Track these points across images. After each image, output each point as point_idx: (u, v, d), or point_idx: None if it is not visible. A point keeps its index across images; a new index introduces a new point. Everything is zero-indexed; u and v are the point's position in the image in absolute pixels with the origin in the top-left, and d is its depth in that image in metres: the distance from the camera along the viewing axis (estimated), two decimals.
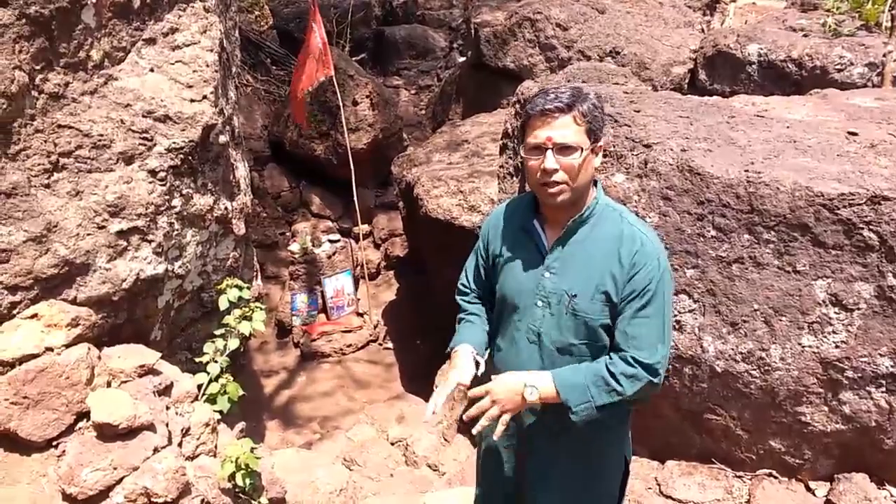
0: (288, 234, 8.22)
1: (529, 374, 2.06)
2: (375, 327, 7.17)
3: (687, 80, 6.94)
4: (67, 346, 2.78)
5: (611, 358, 2.04)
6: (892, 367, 2.92)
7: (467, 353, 2.18)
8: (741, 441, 3.34)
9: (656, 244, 2.06)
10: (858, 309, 2.90)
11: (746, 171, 2.98)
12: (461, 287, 2.40)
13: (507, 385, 2.05)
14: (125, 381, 2.88)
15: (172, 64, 3.24)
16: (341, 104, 7.16)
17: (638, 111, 3.48)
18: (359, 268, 7.57)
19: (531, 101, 2.00)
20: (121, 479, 2.54)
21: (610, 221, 2.07)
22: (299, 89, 6.99)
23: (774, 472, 3.34)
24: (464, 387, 2.10)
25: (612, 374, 1.99)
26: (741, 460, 3.40)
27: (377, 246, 8.38)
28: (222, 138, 3.53)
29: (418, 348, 6.84)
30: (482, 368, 2.18)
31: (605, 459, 2.26)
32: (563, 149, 1.94)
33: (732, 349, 3.13)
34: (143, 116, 3.10)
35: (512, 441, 2.28)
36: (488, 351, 2.28)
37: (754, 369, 3.12)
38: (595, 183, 2.11)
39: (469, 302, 2.36)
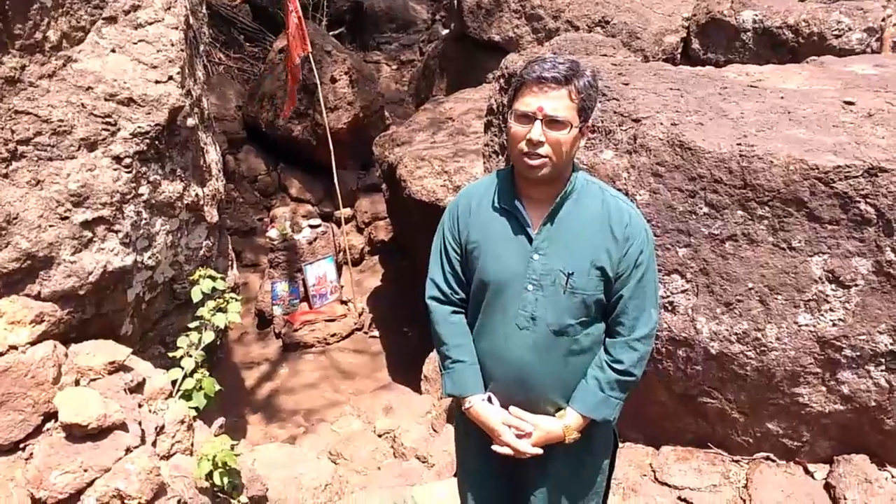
0: (266, 219, 8.19)
1: (561, 420, 2.17)
2: (360, 315, 7.17)
3: (680, 50, 6.94)
4: (32, 343, 2.77)
5: (609, 354, 2.12)
6: (891, 344, 2.95)
7: (478, 400, 2.22)
8: (737, 424, 3.38)
9: (639, 214, 2.15)
10: (856, 285, 2.93)
11: (739, 144, 2.98)
12: (438, 294, 2.27)
13: (548, 434, 2.17)
14: (94, 379, 2.87)
15: (135, 43, 3.20)
16: (318, 82, 7.10)
17: (626, 84, 3.47)
18: (341, 253, 7.55)
19: (527, 66, 2.00)
20: (92, 482, 2.53)
21: (591, 196, 2.11)
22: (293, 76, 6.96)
23: (772, 456, 3.38)
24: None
25: (622, 372, 2.11)
26: (738, 444, 3.44)
27: (360, 230, 8.37)
28: (191, 121, 3.50)
29: (406, 336, 6.86)
30: (496, 402, 2.22)
31: (594, 430, 2.27)
32: (553, 122, 1.93)
33: (727, 330, 3.15)
34: (106, 100, 3.06)
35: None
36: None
37: (750, 350, 3.14)
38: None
39: (450, 321, 2.26)
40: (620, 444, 2.80)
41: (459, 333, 2.25)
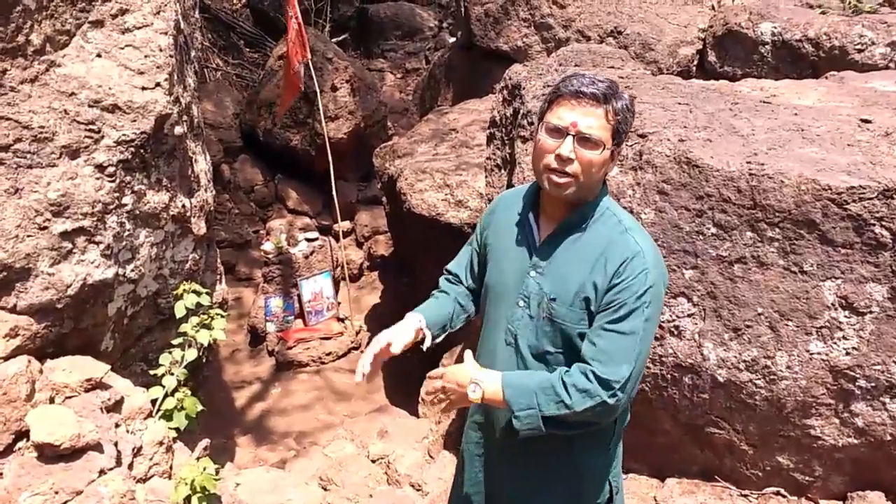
0: (262, 231, 8.23)
1: (483, 370, 2.10)
2: (357, 334, 7.17)
3: (695, 63, 6.95)
4: (5, 358, 2.77)
5: (568, 370, 2.02)
6: None
7: (412, 320, 2.23)
8: (746, 456, 3.35)
9: (650, 260, 1.99)
10: (871, 312, 2.91)
11: (749, 162, 2.98)
12: (446, 270, 2.46)
13: (456, 376, 2.11)
14: (70, 397, 2.87)
15: (122, 48, 3.23)
16: (318, 90, 7.15)
17: (633, 98, 3.47)
18: (339, 269, 7.56)
19: (565, 79, 1.99)
20: None
21: (606, 227, 2.05)
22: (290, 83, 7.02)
23: (783, 491, 3.35)
24: (394, 350, 2.15)
25: (564, 385, 1.96)
26: (747, 477, 3.41)
27: (359, 245, 8.39)
28: (178, 129, 3.51)
29: (404, 357, 6.83)
30: (428, 343, 2.22)
31: (586, 483, 2.24)
32: (585, 140, 1.92)
33: (735, 357, 3.14)
34: (90, 106, 3.08)
35: (483, 465, 2.34)
36: (446, 332, 2.33)
37: (759, 378, 3.12)
38: (604, 183, 2.10)
39: (448, 282, 2.42)
40: (624, 476, 2.77)
41: (449, 287, 2.40)
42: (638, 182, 3.20)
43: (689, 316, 3.20)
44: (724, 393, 3.22)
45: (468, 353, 2.16)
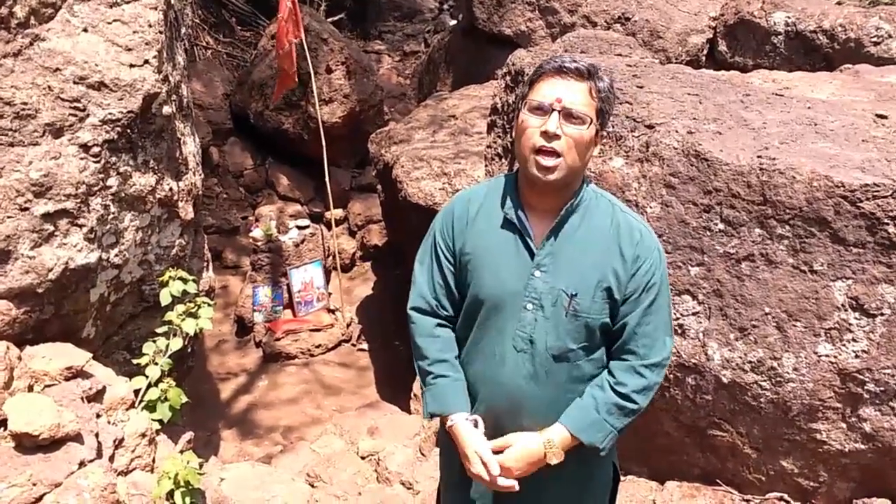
0: (251, 218, 8.21)
1: (542, 434, 2.09)
2: (348, 326, 7.17)
3: (705, 52, 6.95)
4: None
5: (613, 375, 2.07)
6: None
7: (468, 428, 2.15)
8: (749, 460, 3.36)
9: (651, 232, 2.13)
10: (882, 314, 2.91)
11: (759, 157, 2.97)
12: (423, 306, 2.23)
13: (526, 455, 2.09)
14: (49, 385, 2.87)
15: (109, 23, 3.21)
16: (312, 72, 7.12)
17: (641, 87, 3.47)
18: (330, 258, 7.55)
19: (546, 60, 2.00)
20: (41, 497, 2.52)
21: (600, 210, 2.09)
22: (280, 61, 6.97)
23: (786, 497, 3.36)
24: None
25: (624, 396, 2.05)
26: (749, 482, 3.41)
27: (352, 234, 8.38)
28: (167, 109, 3.50)
29: (396, 350, 6.86)
30: (481, 427, 2.17)
31: (594, 469, 2.27)
32: (571, 116, 1.92)
33: (741, 357, 3.14)
34: (75, 83, 3.07)
35: None
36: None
37: (765, 380, 3.13)
38: None
39: (433, 335, 2.22)
40: (622, 478, 2.79)
41: (444, 349, 2.21)
42: (644, 175, 3.19)
43: (693, 314, 3.20)
44: (728, 394, 3.22)
45: (510, 438, 2.12)
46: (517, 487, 2.08)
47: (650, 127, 3.21)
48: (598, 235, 2.05)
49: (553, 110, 1.92)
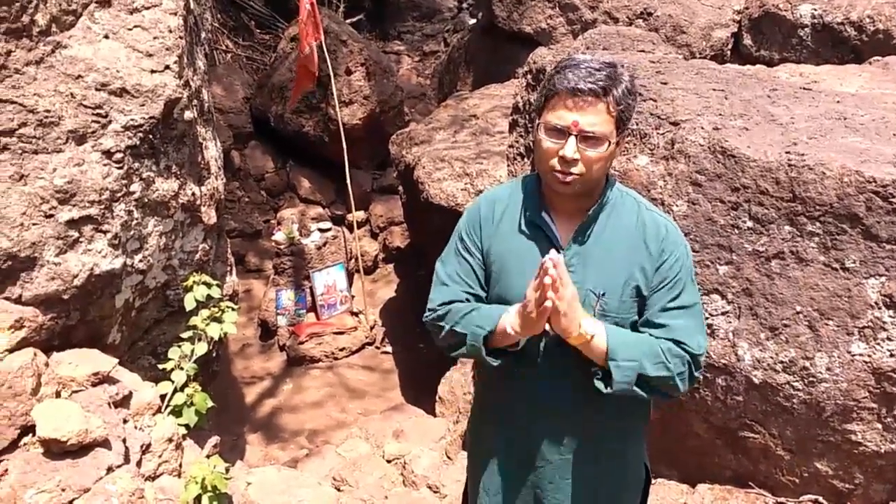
0: (272, 221, 8.25)
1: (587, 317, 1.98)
2: (372, 328, 7.19)
3: (730, 46, 6.89)
4: (10, 350, 2.80)
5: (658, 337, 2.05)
6: None
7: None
8: (782, 462, 3.32)
9: (678, 229, 2.12)
10: None
11: (788, 152, 2.94)
12: (448, 301, 2.16)
13: (573, 303, 1.93)
14: (77, 391, 2.90)
15: (130, 29, 3.24)
16: (332, 74, 7.15)
17: (665, 83, 3.45)
18: (353, 261, 7.58)
19: (559, 72, 1.96)
20: (70, 503, 2.55)
21: (626, 209, 2.09)
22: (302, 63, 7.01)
23: (821, 499, 3.32)
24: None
25: (662, 350, 2.00)
26: (783, 484, 3.38)
27: (374, 236, 8.40)
28: (188, 114, 3.53)
29: (421, 352, 6.86)
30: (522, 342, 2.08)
31: (627, 469, 2.26)
32: (588, 138, 1.91)
33: (772, 357, 3.11)
34: (97, 90, 3.10)
35: (522, 456, 2.24)
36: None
37: (797, 381, 3.09)
38: None
39: (466, 306, 2.15)
40: (653, 481, 2.77)
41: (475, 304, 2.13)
42: (669, 172, 3.17)
43: (722, 314, 3.17)
44: (759, 395, 3.19)
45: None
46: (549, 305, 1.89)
47: (675, 124, 3.19)
48: (624, 234, 2.05)
49: (570, 134, 1.91)
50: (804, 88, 3.53)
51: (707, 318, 3.19)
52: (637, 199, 2.13)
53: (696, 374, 2.06)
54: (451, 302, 2.16)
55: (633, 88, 1.98)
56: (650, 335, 2.05)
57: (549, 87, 1.97)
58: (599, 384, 2.01)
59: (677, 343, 2.01)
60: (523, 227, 2.11)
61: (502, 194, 2.21)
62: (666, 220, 2.11)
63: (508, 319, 1.99)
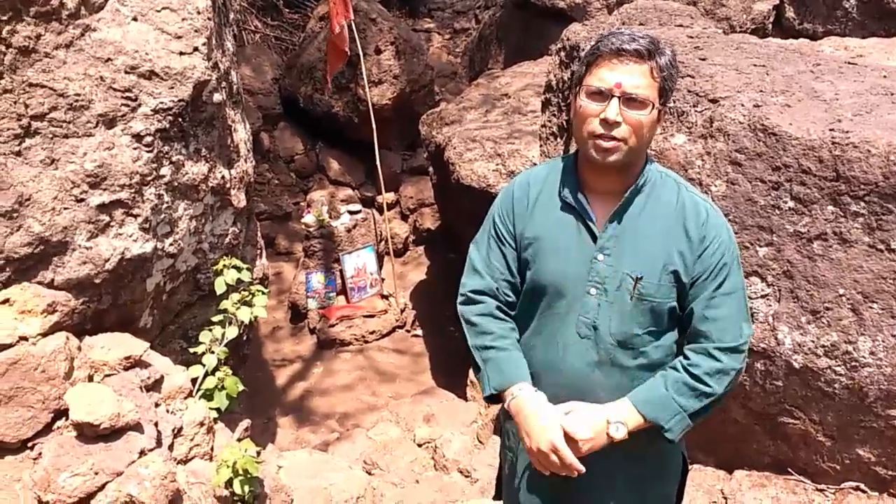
0: (302, 203, 8.29)
1: (605, 407, 2.02)
2: (402, 311, 7.22)
3: (771, 20, 6.78)
4: (43, 334, 2.84)
5: (687, 358, 2.03)
6: None
7: (537, 396, 2.07)
8: (823, 448, 3.29)
9: (718, 211, 2.08)
10: None
11: (832, 130, 2.89)
12: (482, 290, 2.17)
13: (590, 421, 2.00)
14: (109, 375, 2.94)
15: (158, 11, 3.26)
16: (361, 53, 7.14)
17: (704, 59, 3.40)
18: (383, 243, 7.60)
19: (602, 39, 1.95)
20: (103, 486, 2.60)
21: (665, 190, 2.06)
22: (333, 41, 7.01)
23: (862, 486, 3.29)
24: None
25: (696, 377, 1.99)
26: (823, 471, 3.35)
27: (404, 217, 8.42)
28: (217, 96, 3.55)
29: (452, 336, 6.87)
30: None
31: (664, 459, 2.25)
32: (631, 101, 1.89)
33: (813, 341, 3.07)
34: (126, 73, 3.12)
35: None
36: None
37: (839, 365, 3.05)
38: None
39: (496, 316, 2.16)
40: (690, 467, 2.75)
41: (506, 328, 2.16)
42: (708, 151, 3.13)
43: (762, 297, 3.14)
44: (799, 380, 3.16)
45: (571, 406, 2.04)
46: (583, 469, 1.98)
47: (714, 101, 3.15)
48: (662, 216, 2.02)
49: (613, 96, 1.89)
50: (849, 63, 3.46)
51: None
52: (677, 181, 2.10)
53: (743, 365, 2.04)
54: (482, 293, 2.17)
55: (675, 62, 1.97)
56: (680, 357, 2.04)
57: (592, 53, 1.96)
58: (669, 434, 2.02)
59: (714, 352, 1.99)
60: (559, 209, 2.09)
61: (538, 176, 2.19)
62: (706, 201, 2.07)
63: (529, 428, 2.03)
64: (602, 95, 1.90)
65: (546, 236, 2.09)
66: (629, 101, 1.89)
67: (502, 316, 2.18)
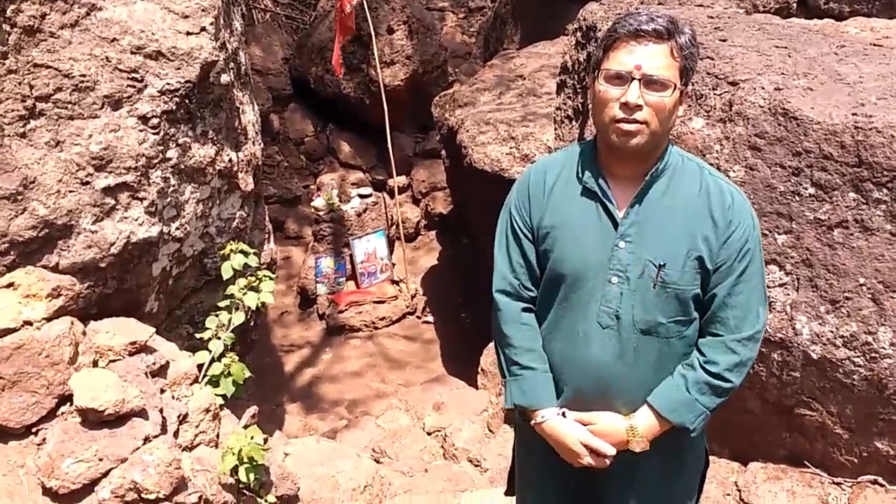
0: (312, 186, 8.31)
1: (627, 419, 2.08)
2: (413, 297, 7.24)
3: None
4: (48, 319, 2.87)
5: (703, 354, 2.04)
6: None
7: (563, 422, 2.14)
8: (840, 441, 3.28)
9: (743, 195, 2.08)
10: None
11: (854, 114, 2.86)
12: (507, 288, 2.21)
13: (611, 432, 2.09)
14: (114, 360, 2.97)
15: None
16: (373, 33, 7.13)
17: (724, 40, 3.38)
18: (394, 227, 7.62)
19: (619, 21, 1.93)
20: (107, 472, 2.63)
21: (688, 174, 2.04)
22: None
23: (880, 479, 3.27)
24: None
25: (716, 375, 2.01)
26: (840, 464, 3.34)
27: (416, 201, 8.42)
28: (225, 77, 3.55)
29: (463, 323, 6.90)
30: (570, 416, 2.16)
31: (688, 452, 2.26)
32: (652, 83, 1.87)
33: (832, 332, 3.05)
34: (132, 53, 3.13)
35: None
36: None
37: (858, 356, 3.04)
38: None
39: (521, 322, 2.20)
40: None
41: (531, 337, 2.19)
42: (727, 136, 3.11)
43: (780, 286, 3.12)
44: (817, 371, 3.14)
45: (594, 416, 2.11)
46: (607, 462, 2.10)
47: (734, 84, 3.12)
48: (686, 201, 2.00)
49: (633, 79, 1.87)
50: (874, 45, 3.42)
51: None
52: (700, 164, 2.08)
53: (753, 353, 2.06)
54: (506, 293, 2.20)
55: (695, 42, 1.95)
56: (696, 354, 2.07)
57: (610, 36, 1.94)
58: (692, 434, 2.08)
59: (732, 345, 2.02)
60: (578, 196, 2.08)
61: (554, 162, 2.18)
62: (730, 186, 2.05)
63: (569, 445, 2.11)
64: (621, 79, 1.89)
65: (565, 224, 2.08)
66: (650, 83, 1.87)
67: (528, 321, 2.20)
